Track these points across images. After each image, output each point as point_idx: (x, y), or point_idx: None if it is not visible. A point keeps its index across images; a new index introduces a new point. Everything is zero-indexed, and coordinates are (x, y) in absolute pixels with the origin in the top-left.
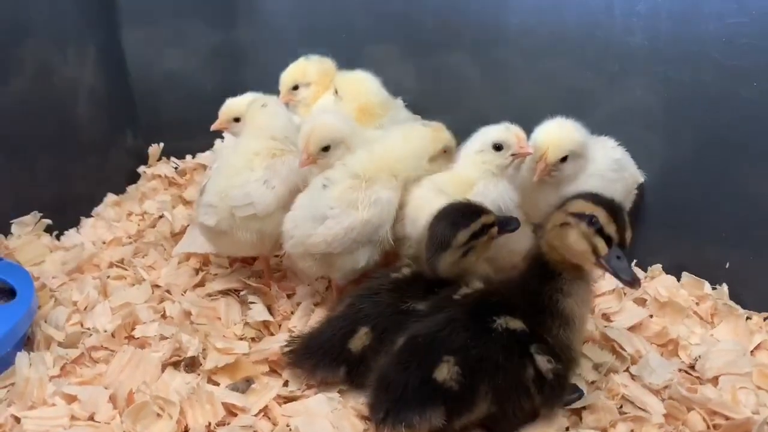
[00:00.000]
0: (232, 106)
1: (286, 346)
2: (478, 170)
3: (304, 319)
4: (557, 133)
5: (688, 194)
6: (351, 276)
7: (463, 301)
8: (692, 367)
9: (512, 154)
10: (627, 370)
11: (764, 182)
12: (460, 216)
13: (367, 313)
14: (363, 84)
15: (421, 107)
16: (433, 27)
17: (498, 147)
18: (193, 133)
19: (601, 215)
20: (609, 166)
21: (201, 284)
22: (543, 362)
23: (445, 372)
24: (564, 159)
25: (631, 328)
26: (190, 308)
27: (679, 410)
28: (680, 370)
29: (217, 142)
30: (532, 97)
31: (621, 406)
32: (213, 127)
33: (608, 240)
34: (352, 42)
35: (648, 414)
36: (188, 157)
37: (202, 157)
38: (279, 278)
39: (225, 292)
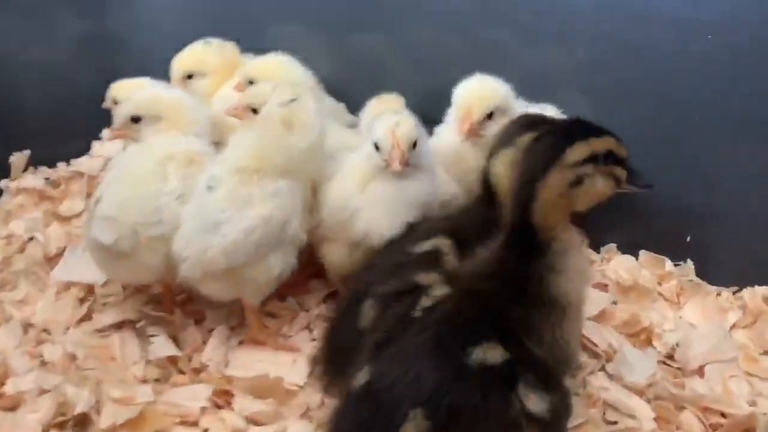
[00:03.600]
0: (134, 103)
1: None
2: (366, 163)
3: (220, 349)
4: (479, 88)
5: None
6: (267, 291)
7: (425, 322)
8: (671, 357)
9: (385, 159)
10: (603, 369)
11: (725, 145)
12: None
13: None
14: (288, 69)
15: (338, 93)
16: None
17: (377, 146)
18: (65, 135)
19: (611, 144)
20: None
21: (87, 317)
22: (536, 403)
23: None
24: (489, 116)
25: (597, 318)
26: (76, 350)
27: (670, 411)
28: (659, 361)
29: (96, 144)
30: (458, 68)
31: (604, 413)
32: (112, 137)
33: (622, 162)
34: (249, 22)
35: (637, 421)
36: (61, 164)
37: (79, 164)
38: (183, 301)
39: (118, 325)
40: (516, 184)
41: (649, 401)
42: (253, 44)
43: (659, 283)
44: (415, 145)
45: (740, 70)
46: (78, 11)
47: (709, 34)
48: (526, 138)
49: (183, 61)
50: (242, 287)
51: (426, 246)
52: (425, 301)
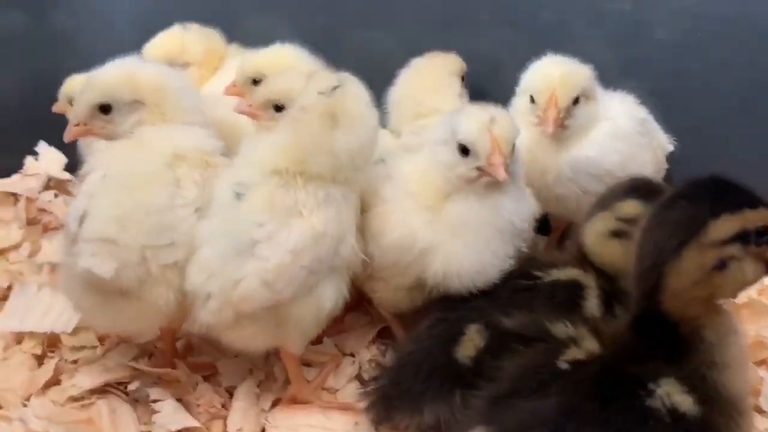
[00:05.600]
0: (102, 85)
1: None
2: (441, 174)
3: (251, 413)
4: (560, 69)
5: (730, 159)
6: (314, 334)
7: (577, 374)
8: None
9: (478, 167)
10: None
11: None
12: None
13: None
14: (304, 63)
15: None
16: None
17: (464, 149)
18: None
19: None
20: (634, 128)
21: (55, 382)
22: None
23: None
24: (576, 101)
25: None
26: (46, 427)
27: None
28: None
29: (29, 160)
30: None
31: None
32: (71, 135)
33: None
34: (226, 12)
35: None
36: None
37: (9, 184)
38: (182, 350)
39: (102, 390)
40: (638, 265)
41: None
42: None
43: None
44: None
45: None
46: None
47: None
48: (629, 204)
49: (159, 48)
50: (284, 331)
51: (560, 275)
52: (575, 353)
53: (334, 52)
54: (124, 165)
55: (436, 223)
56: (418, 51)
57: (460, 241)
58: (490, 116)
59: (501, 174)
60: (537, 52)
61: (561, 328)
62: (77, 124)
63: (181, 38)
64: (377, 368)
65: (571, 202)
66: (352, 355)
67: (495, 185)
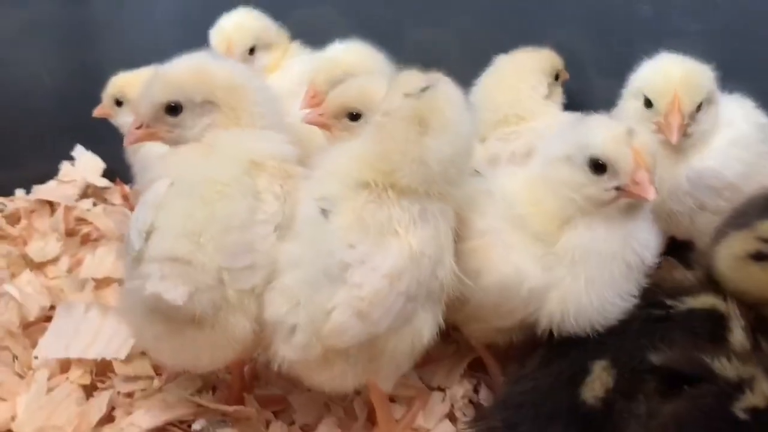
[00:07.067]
0: (170, 84)
1: None
2: (560, 195)
3: None
4: (682, 69)
5: None
6: (407, 367)
7: (761, 427)
8: None
9: (616, 188)
10: None
11: None
12: None
13: None
14: (380, 62)
15: None
16: None
17: (599, 166)
18: (22, 156)
19: None
20: (755, 135)
21: (108, 419)
22: None
23: None
24: (698, 107)
25: None
26: None
27: None
28: None
29: (65, 165)
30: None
31: None
32: (132, 139)
33: None
34: (275, 5)
35: None
36: (19, 191)
37: (45, 191)
38: (248, 381)
39: (162, 429)
40: None
41: None
42: None
43: None
44: None
45: None
46: None
47: None
48: None
49: (243, 30)
50: (377, 366)
51: (696, 303)
52: (751, 399)
53: (391, 48)
54: (197, 172)
55: (550, 257)
56: (492, 49)
57: (581, 277)
58: (626, 127)
59: (651, 193)
60: (632, 50)
61: (726, 366)
62: (139, 126)
63: (258, 21)
64: (475, 407)
65: (685, 218)
66: (441, 389)
67: (631, 209)
